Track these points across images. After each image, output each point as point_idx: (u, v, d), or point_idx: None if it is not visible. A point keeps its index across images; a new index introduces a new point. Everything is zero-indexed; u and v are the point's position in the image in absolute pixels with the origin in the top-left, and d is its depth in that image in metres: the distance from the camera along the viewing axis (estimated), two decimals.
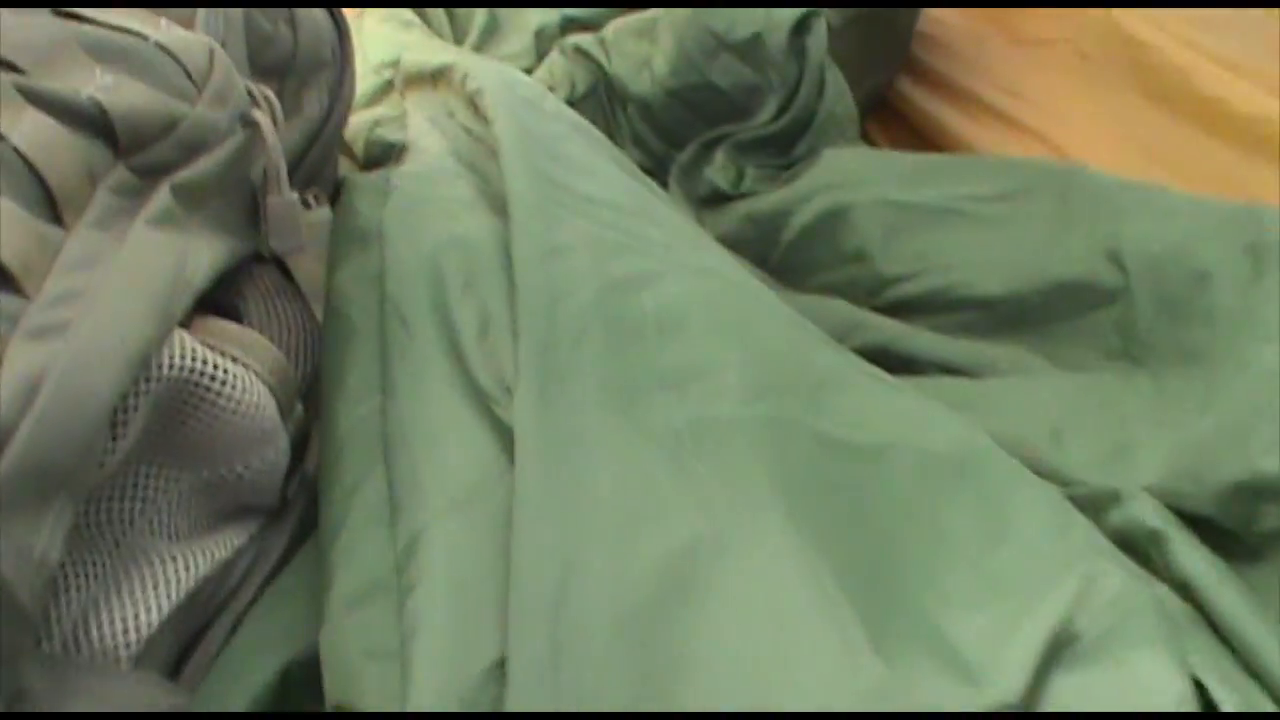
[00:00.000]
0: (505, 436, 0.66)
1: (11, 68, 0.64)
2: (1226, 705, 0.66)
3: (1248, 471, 0.83)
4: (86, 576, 0.62)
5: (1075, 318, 1.09)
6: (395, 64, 1.32)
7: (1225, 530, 0.86)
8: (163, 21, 0.75)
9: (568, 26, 1.73)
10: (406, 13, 1.75)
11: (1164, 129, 1.48)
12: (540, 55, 1.67)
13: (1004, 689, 0.63)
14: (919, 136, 1.69)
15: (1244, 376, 0.89)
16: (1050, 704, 0.64)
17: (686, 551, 0.62)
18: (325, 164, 0.92)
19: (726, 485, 0.66)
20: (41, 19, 0.68)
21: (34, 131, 0.62)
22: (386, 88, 1.32)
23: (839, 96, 1.48)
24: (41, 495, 0.52)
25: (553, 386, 0.67)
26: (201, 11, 0.81)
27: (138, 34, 0.71)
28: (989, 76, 1.70)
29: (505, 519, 0.61)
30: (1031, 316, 1.11)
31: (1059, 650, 0.66)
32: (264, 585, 0.71)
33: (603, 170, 0.91)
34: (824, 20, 1.48)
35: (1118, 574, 0.70)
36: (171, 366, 0.61)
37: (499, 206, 0.79)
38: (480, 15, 1.77)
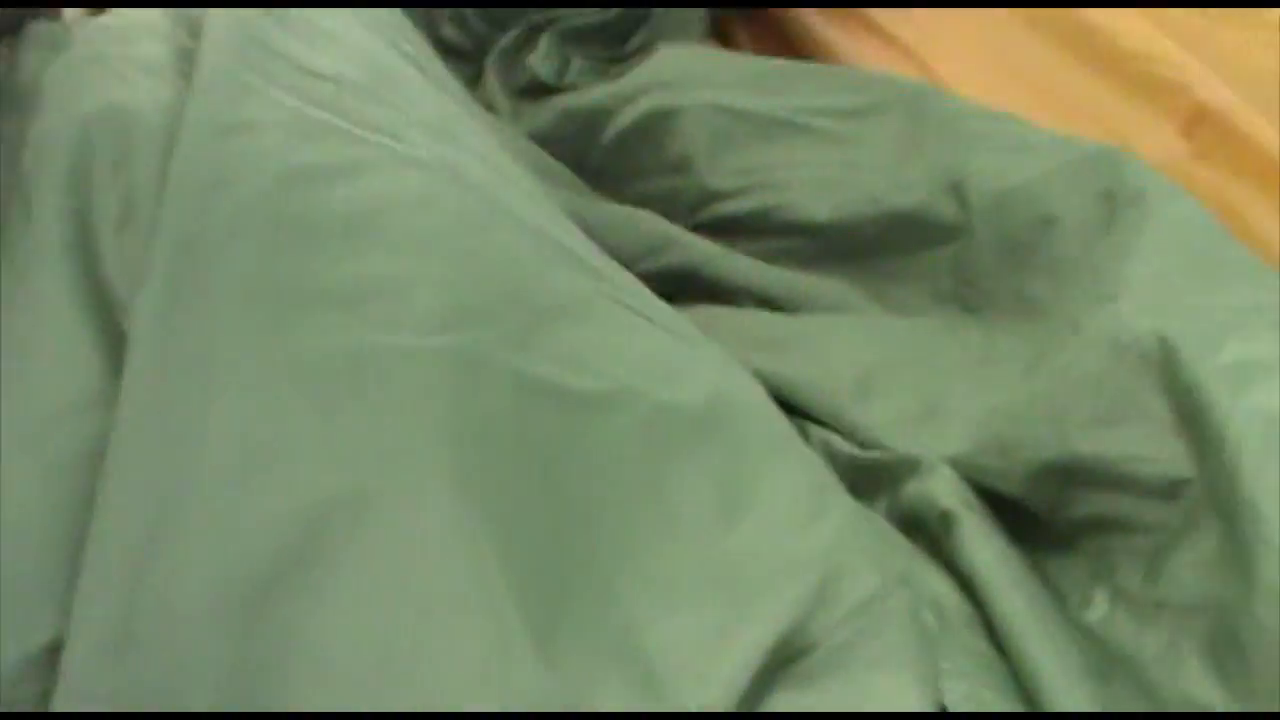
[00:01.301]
0: (116, 349, 0.53)
1: None
2: None
3: (1062, 449, 0.74)
4: None
5: (908, 253, 1.00)
6: None
7: (1029, 513, 0.76)
8: None
9: None
10: None
11: (1042, 56, 1.37)
12: None
13: (700, 702, 0.51)
14: (787, 43, 1.55)
15: (1074, 340, 0.79)
16: None
17: (314, 514, 0.50)
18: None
19: (381, 434, 0.53)
20: None
21: None
22: None
23: None
24: None
25: (184, 294, 0.54)
26: None
27: None
28: None
29: (94, 461, 0.48)
30: (860, 248, 1.01)
31: (783, 664, 0.54)
32: None
33: (347, 40, 0.77)
34: None
35: (869, 575, 0.58)
36: None
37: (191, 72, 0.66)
38: None
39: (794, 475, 0.64)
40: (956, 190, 0.97)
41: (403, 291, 0.59)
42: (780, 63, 1.27)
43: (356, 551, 0.50)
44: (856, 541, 0.62)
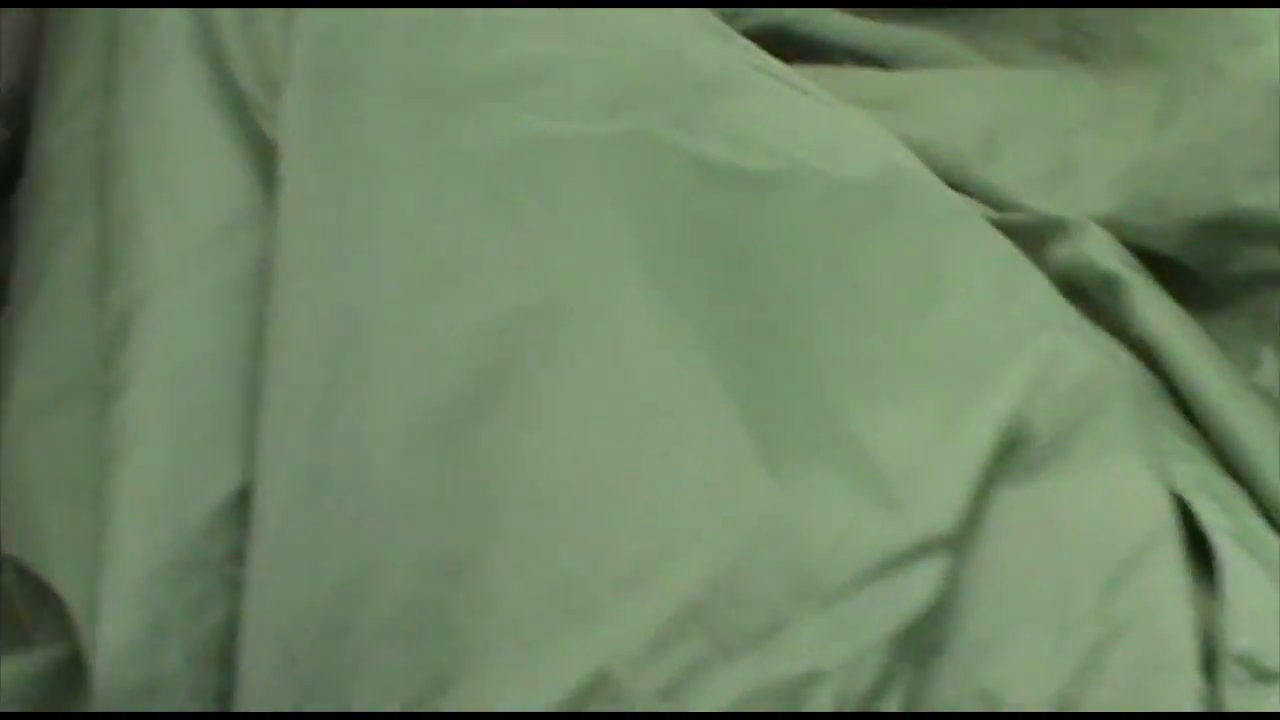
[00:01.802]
0: (268, 160, 0.48)
1: None
2: (1216, 535, 0.52)
3: (1224, 202, 0.70)
4: None
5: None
6: None
7: (1185, 270, 0.73)
8: None
9: None
10: None
11: None
12: None
13: (934, 517, 0.48)
14: None
15: (1219, 86, 0.75)
16: (994, 529, 0.50)
17: (510, 326, 0.46)
18: None
19: (567, 230, 0.49)
20: None
21: None
22: None
23: None
24: None
25: (334, 90, 0.49)
26: None
27: None
28: None
29: (258, 282, 0.45)
30: None
31: (1007, 457, 0.51)
32: None
33: None
34: None
35: (1081, 350, 0.55)
36: None
37: None
38: None
39: (982, 248, 0.61)
40: None
41: (562, 74, 0.54)
42: None
43: (561, 360, 0.46)
44: (1060, 315, 0.59)
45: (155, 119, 0.50)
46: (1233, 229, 0.70)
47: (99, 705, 0.39)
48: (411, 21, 0.53)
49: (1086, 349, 0.55)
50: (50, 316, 0.48)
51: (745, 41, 0.71)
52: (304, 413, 0.43)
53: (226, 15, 0.53)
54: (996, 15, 0.93)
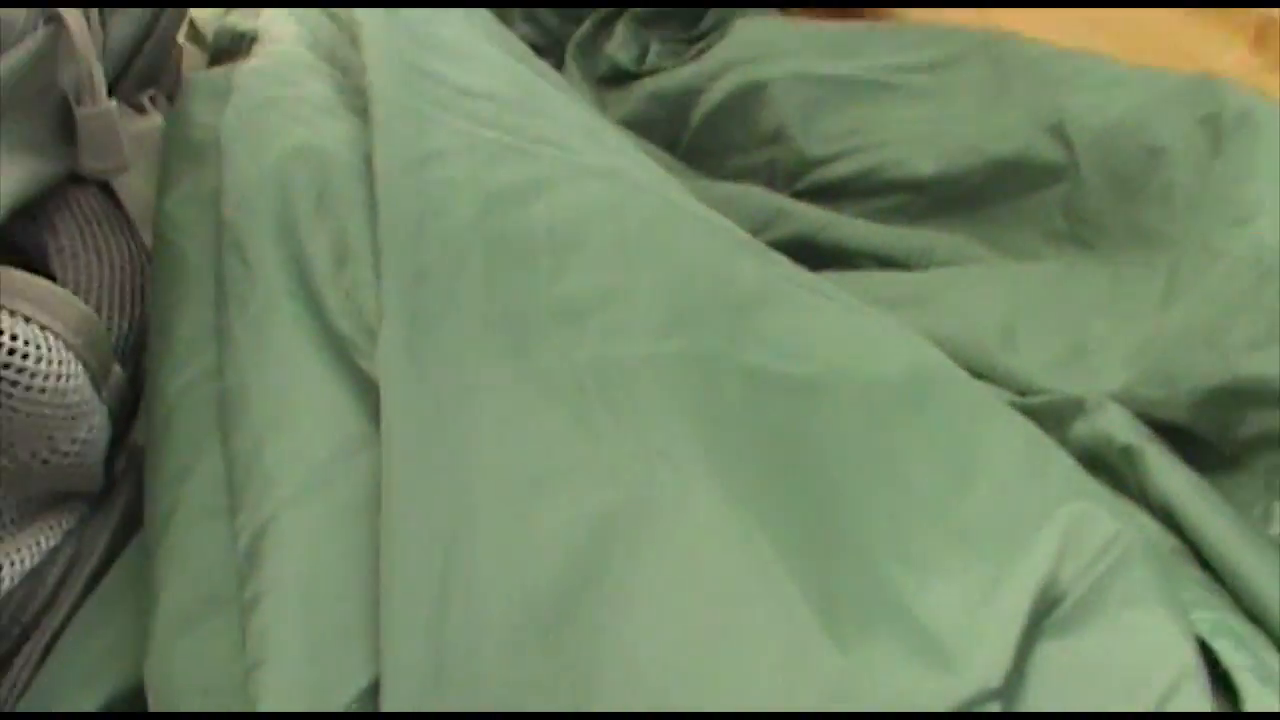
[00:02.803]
0: (370, 394, 0.54)
1: None
2: (1238, 669, 0.57)
3: (1226, 373, 0.75)
4: None
5: (1017, 198, 1.01)
6: None
7: (1196, 438, 0.78)
8: None
9: None
10: None
11: None
12: None
13: (984, 673, 0.53)
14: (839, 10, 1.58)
15: (1215, 265, 0.81)
16: (1035, 680, 0.55)
17: (597, 527, 0.51)
18: (165, 59, 0.79)
19: (640, 441, 0.55)
20: None
21: None
22: None
23: None
24: None
25: (426, 327, 0.55)
26: None
27: None
28: None
29: (373, 501, 0.50)
30: (969, 197, 1.02)
31: (1044, 615, 0.56)
32: (85, 593, 0.59)
33: (480, 53, 0.79)
34: None
35: (1104, 515, 0.60)
36: None
37: (360, 105, 0.67)
38: None
39: (1009, 432, 0.66)
40: (1057, 131, 0.98)
41: (622, 301, 0.60)
42: (852, 25, 1.29)
43: (645, 555, 0.51)
44: (1083, 487, 0.64)
45: (267, 362, 0.56)
46: (1236, 397, 0.75)
47: None
48: (488, 263, 0.59)
49: (1109, 515, 0.60)
50: (187, 542, 0.52)
51: (779, 256, 0.77)
52: (420, 613, 0.47)
53: (319, 263, 0.59)
54: (1006, 210, 1.00)
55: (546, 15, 1.34)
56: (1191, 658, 0.56)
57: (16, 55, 0.58)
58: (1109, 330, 0.86)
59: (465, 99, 0.70)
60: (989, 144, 1.02)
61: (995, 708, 0.52)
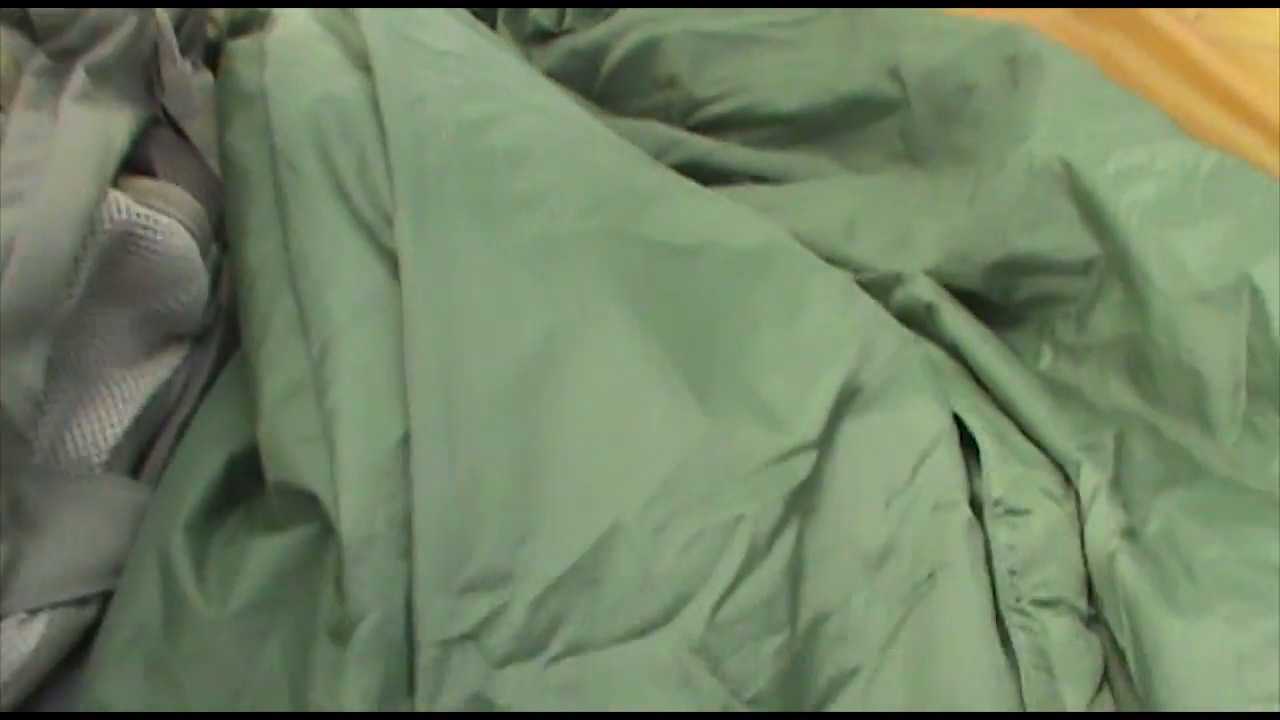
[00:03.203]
0: (390, 259, 0.78)
1: None
2: (977, 432, 0.84)
3: (1005, 251, 1.01)
4: (57, 401, 0.75)
5: (863, 127, 1.25)
6: None
7: (989, 301, 1.04)
8: None
9: None
10: None
11: None
12: None
13: (804, 432, 0.80)
14: None
15: (1002, 172, 1.06)
16: (842, 442, 0.82)
17: (545, 339, 0.76)
18: (198, 33, 1.03)
19: (573, 285, 0.80)
20: None
21: None
22: None
23: None
24: (24, 335, 0.64)
25: (426, 213, 0.79)
26: None
27: None
28: None
29: (398, 325, 0.75)
30: (825, 128, 1.27)
31: (847, 400, 0.84)
32: (200, 397, 0.84)
33: (445, 24, 1.04)
34: None
35: (893, 338, 0.87)
36: (111, 221, 0.73)
37: (362, 64, 0.91)
38: None
39: (827, 282, 0.92)
40: (894, 73, 1.23)
41: (556, 195, 0.85)
42: None
43: (576, 361, 0.76)
44: (879, 318, 0.91)
45: (318, 238, 0.79)
46: (1013, 268, 1.01)
47: (345, 553, 0.68)
48: (465, 170, 0.84)
49: (895, 337, 0.88)
50: (276, 352, 0.75)
51: (672, 171, 1.03)
52: (433, 388, 0.71)
53: (348, 172, 0.83)
54: (854, 137, 1.25)
55: None
56: (947, 424, 0.84)
57: (122, 32, 0.82)
58: (926, 224, 1.11)
59: (438, 57, 0.94)
60: (841, 84, 1.26)
61: (814, 452, 0.80)
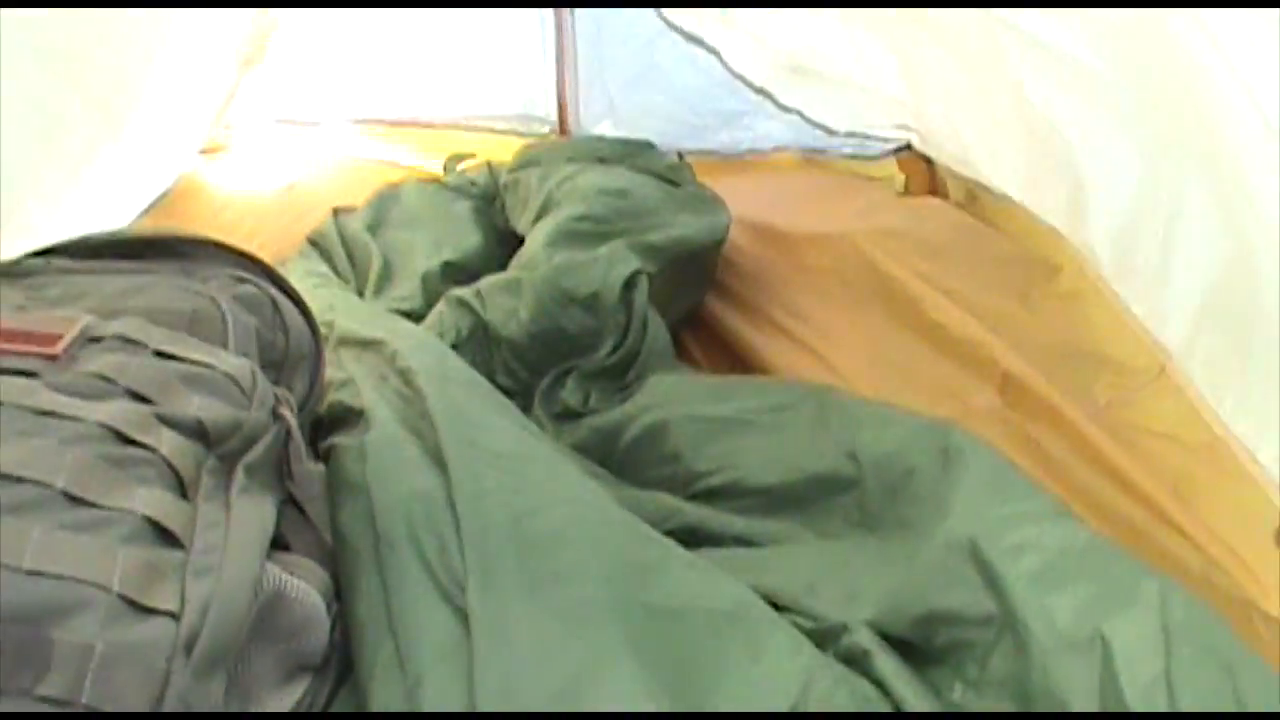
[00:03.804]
0: (463, 616, 1.08)
1: (148, 400, 1.07)
2: None
3: (927, 607, 1.29)
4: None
5: (828, 498, 1.55)
6: (330, 324, 1.75)
7: (915, 645, 1.31)
8: (220, 352, 1.19)
9: (446, 270, 2.22)
10: (319, 265, 2.23)
11: (903, 346, 2.00)
12: (426, 295, 2.15)
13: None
14: (726, 349, 2.19)
15: (929, 543, 1.36)
16: None
17: (575, 679, 1.05)
18: (307, 425, 1.37)
19: (595, 638, 1.09)
20: (154, 361, 1.11)
21: (170, 443, 1.04)
22: (324, 340, 1.75)
23: (657, 334, 1.99)
24: (213, 666, 0.93)
25: (489, 585, 1.10)
26: (231, 335, 1.25)
27: (209, 365, 1.14)
28: (776, 298, 2.22)
29: (469, 666, 1.05)
30: (797, 500, 1.57)
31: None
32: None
33: (498, 425, 1.38)
34: (645, 277, 1.99)
35: (828, 679, 1.16)
36: (268, 585, 1.04)
37: (438, 462, 1.24)
38: (376, 262, 2.26)
39: (782, 636, 1.20)
40: (853, 457, 1.54)
41: (583, 570, 1.16)
42: (726, 379, 1.92)
43: (596, 693, 1.04)
44: (820, 663, 1.19)
45: (409, 600, 1.10)
46: (933, 620, 1.28)
47: None
48: (517, 551, 1.16)
49: (831, 675, 1.17)
50: (381, 685, 1.06)
51: (670, 541, 1.34)
52: (491, 705, 1.02)
53: (431, 553, 1.15)
54: (820, 507, 1.55)
55: (520, 371, 1.94)
56: None
57: (268, 439, 1.14)
58: (872, 582, 1.39)
59: (495, 458, 1.28)
60: (810, 463, 1.58)
61: None
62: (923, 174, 2.80)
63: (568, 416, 1.86)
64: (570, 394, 1.89)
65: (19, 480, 0.92)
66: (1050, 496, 1.43)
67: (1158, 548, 1.51)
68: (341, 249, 2.40)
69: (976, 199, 2.56)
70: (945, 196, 2.72)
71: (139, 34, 1.87)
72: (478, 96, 3.26)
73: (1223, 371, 1.64)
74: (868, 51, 2.58)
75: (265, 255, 2.26)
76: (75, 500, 0.94)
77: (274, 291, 1.37)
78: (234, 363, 1.18)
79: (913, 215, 2.44)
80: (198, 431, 1.07)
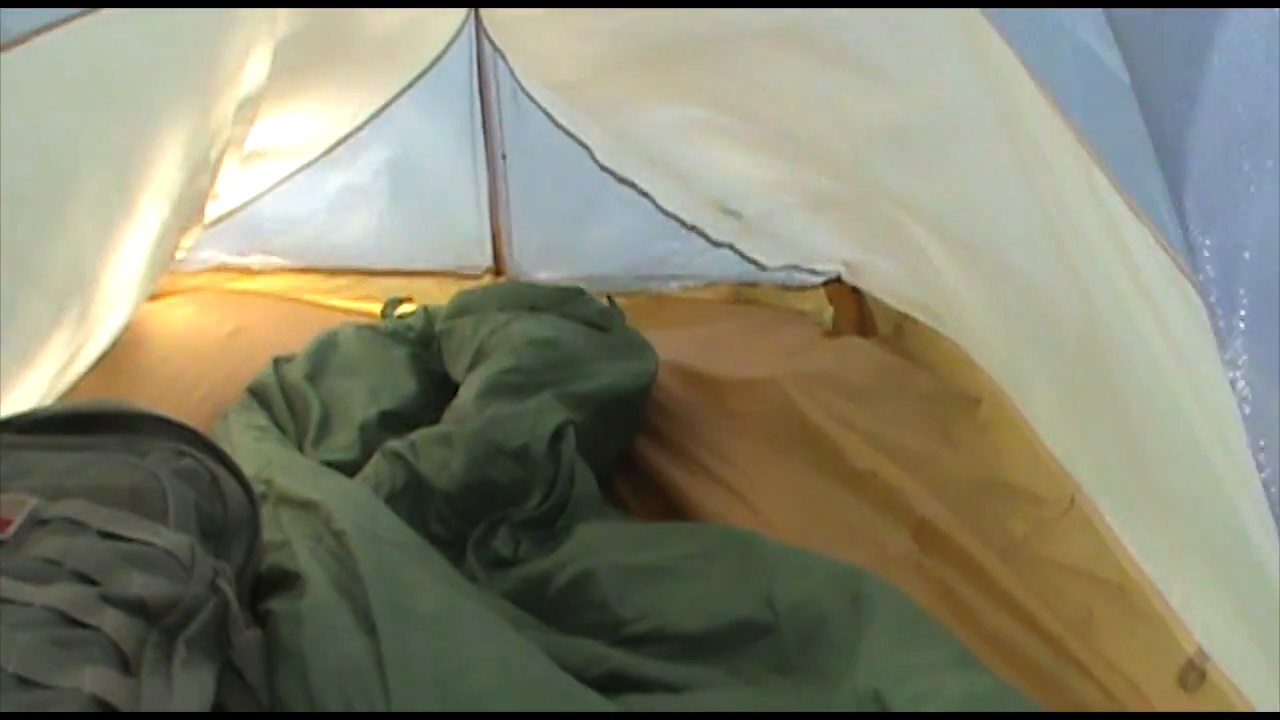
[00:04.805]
0: None
1: (92, 581, 1.14)
2: None
3: None
4: None
5: (747, 644, 1.62)
6: (269, 482, 1.82)
7: None
8: (161, 528, 1.26)
9: (384, 419, 2.30)
10: (259, 417, 2.31)
11: (824, 491, 2.09)
12: (364, 444, 2.23)
13: None
14: (656, 490, 2.27)
15: (836, 691, 1.45)
16: None
17: None
18: (246, 590, 1.44)
19: None
20: (97, 542, 1.19)
21: (113, 622, 1.11)
22: (262, 498, 1.81)
23: (585, 482, 2.07)
24: None
25: None
26: (171, 509, 1.32)
27: (149, 543, 1.22)
28: (703, 441, 2.31)
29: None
30: (718, 645, 1.63)
31: None
32: None
33: (426, 586, 1.45)
34: (572, 428, 2.08)
35: None
36: None
37: (369, 625, 1.32)
38: (315, 411, 2.33)
39: None
40: (770, 603, 1.62)
41: None
42: (650, 526, 2.00)
43: None
44: None
45: None
46: None
47: None
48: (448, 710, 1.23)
49: None
50: None
51: (595, 695, 1.41)
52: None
53: (361, 707, 1.22)
54: (739, 652, 1.60)
55: (452, 520, 2.00)
56: None
57: (206, 612, 1.20)
58: None
59: (424, 621, 1.35)
60: (731, 610, 1.65)
61: None
62: (851, 305, 2.93)
63: (499, 565, 1.92)
64: (502, 544, 1.95)
65: None
66: (956, 644, 1.51)
67: (1064, 689, 1.58)
68: (281, 398, 2.46)
69: (903, 331, 2.68)
70: (874, 327, 2.86)
71: (92, 234, 1.98)
72: (414, 241, 3.36)
73: (1127, 508, 1.70)
74: (791, 197, 2.71)
75: (208, 405, 2.44)
76: (27, 683, 1.01)
77: (212, 464, 1.44)
78: (173, 539, 1.25)
79: (837, 357, 2.55)
80: (140, 608, 1.14)
